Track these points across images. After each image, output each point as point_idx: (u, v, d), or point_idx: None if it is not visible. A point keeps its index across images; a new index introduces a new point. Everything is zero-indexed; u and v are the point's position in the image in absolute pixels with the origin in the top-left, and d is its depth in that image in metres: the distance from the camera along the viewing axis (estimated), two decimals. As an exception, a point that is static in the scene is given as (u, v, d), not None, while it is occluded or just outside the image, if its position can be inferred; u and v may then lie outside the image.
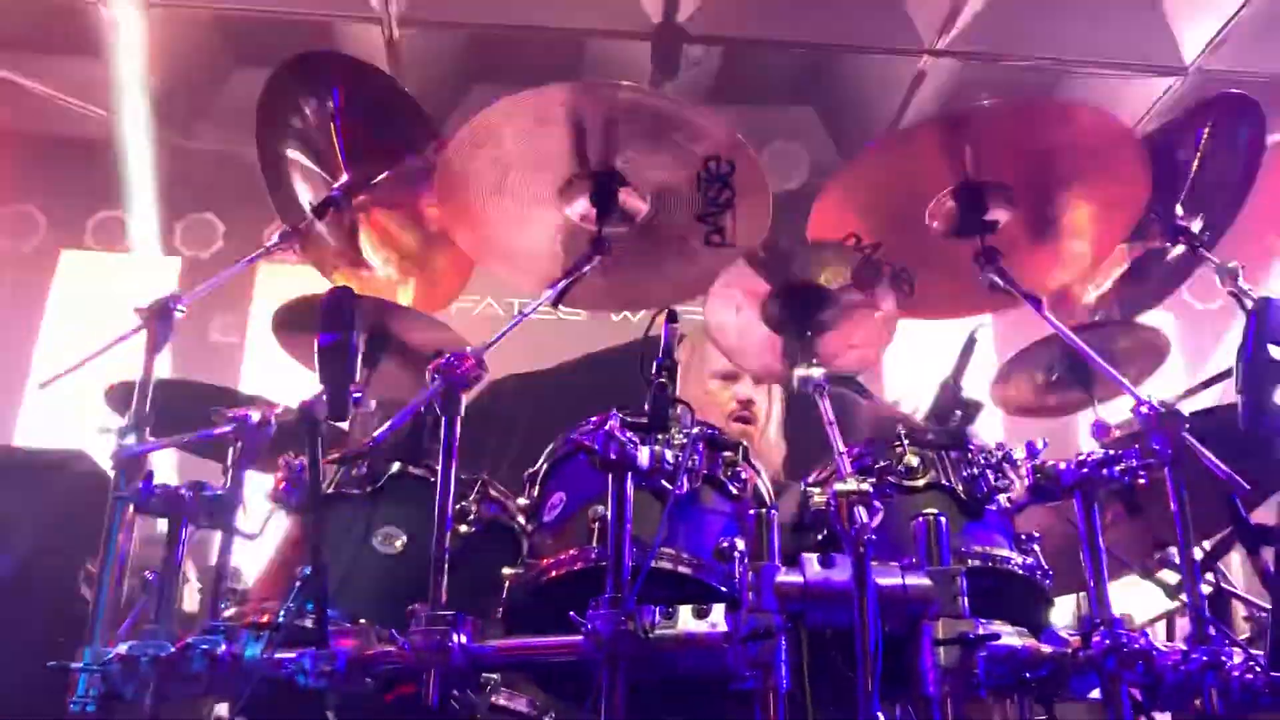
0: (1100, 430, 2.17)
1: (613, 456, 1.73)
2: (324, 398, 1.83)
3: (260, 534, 2.08)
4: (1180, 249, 2.57)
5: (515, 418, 3.77)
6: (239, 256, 2.51)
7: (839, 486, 1.63)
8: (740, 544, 1.83)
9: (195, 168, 6.66)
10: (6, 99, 6.29)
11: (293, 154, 2.60)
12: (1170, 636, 2.83)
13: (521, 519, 2.16)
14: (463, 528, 2.10)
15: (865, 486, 1.61)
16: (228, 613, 1.99)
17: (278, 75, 2.54)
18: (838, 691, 1.83)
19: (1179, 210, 2.54)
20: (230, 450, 1.99)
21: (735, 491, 1.99)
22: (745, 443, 2.05)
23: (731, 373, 3.11)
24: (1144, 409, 1.84)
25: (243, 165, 6.29)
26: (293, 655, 1.79)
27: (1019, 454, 1.96)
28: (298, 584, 1.93)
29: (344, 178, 2.53)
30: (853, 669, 1.63)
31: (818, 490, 1.94)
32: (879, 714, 1.53)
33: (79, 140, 6.53)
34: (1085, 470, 1.81)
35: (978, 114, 2.21)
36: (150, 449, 2.02)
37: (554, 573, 1.90)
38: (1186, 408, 1.89)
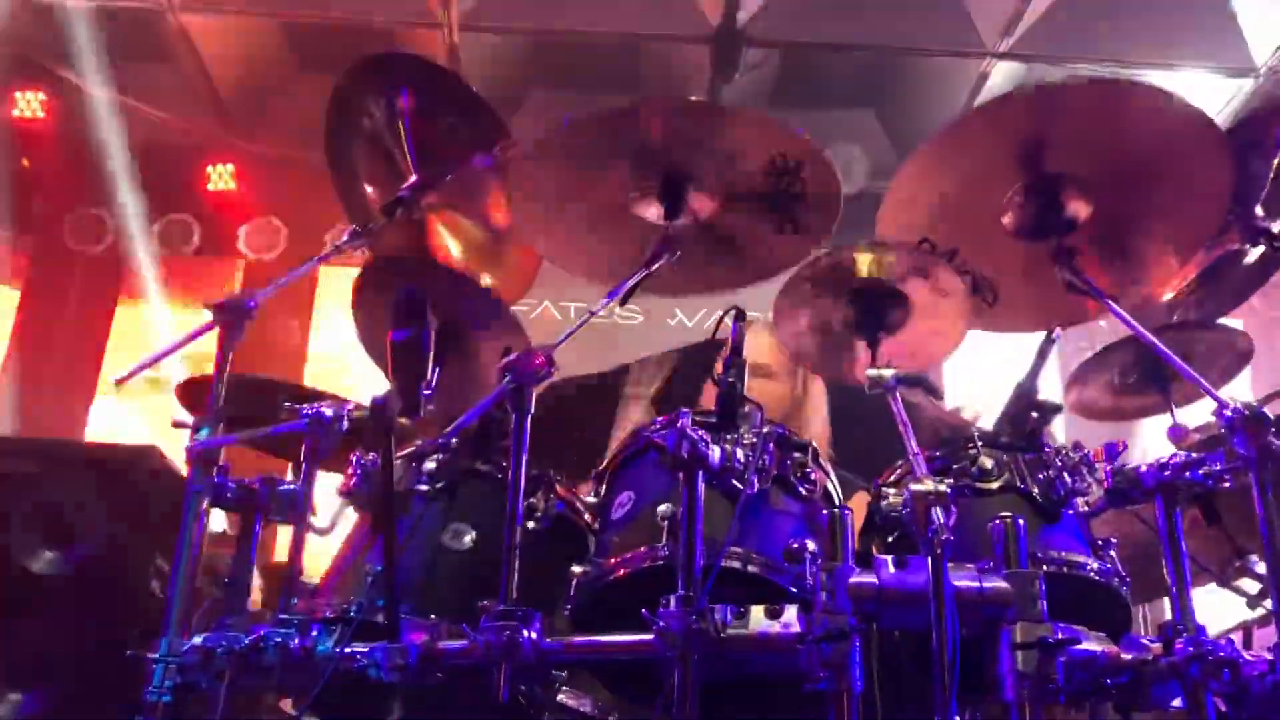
0: (1177, 433, 2.12)
1: (685, 455, 1.72)
2: (396, 393, 1.84)
3: (330, 530, 2.10)
4: (1260, 250, 2.51)
5: (575, 419, 3.78)
6: (302, 260, 2.53)
7: (915, 487, 1.61)
8: (811, 545, 1.82)
9: (260, 172, 6.77)
10: (76, 105, 6.43)
11: (362, 154, 2.63)
12: (1247, 648, 2.76)
13: (588, 517, 2.16)
14: (530, 525, 2.10)
15: (943, 487, 1.59)
16: (298, 607, 2.01)
17: (348, 77, 2.57)
18: (906, 694, 1.81)
19: (1258, 211, 2.48)
20: (302, 446, 2.01)
21: (805, 492, 1.97)
22: (814, 443, 2.04)
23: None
24: (1228, 412, 1.80)
25: (306, 170, 6.42)
26: (365, 649, 1.80)
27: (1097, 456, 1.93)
28: (369, 579, 1.95)
29: (412, 177, 2.55)
30: (923, 672, 1.61)
31: (893, 491, 1.92)
32: (956, 718, 1.51)
33: (146, 145, 6.66)
34: (1167, 473, 1.77)
35: (1044, 98, 2.15)
36: (224, 443, 2.04)
37: (622, 571, 1.89)
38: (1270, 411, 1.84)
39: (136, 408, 5.99)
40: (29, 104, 6.18)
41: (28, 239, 6.70)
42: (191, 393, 2.90)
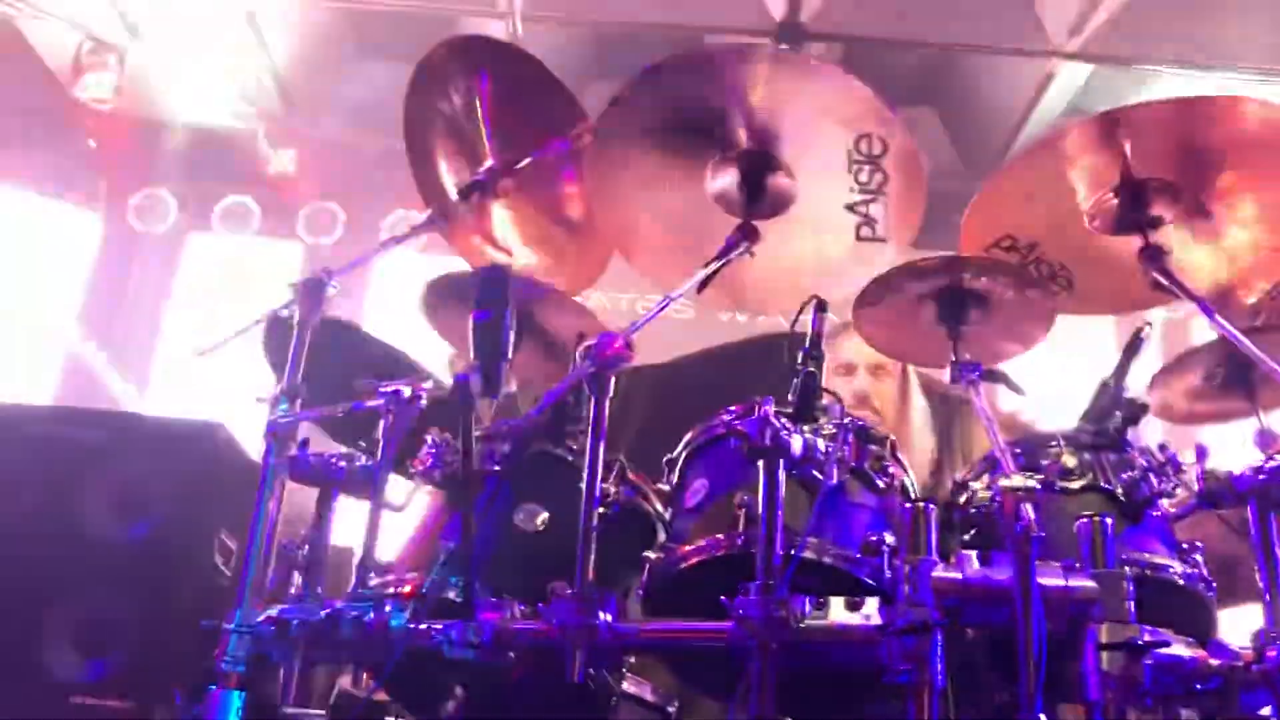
0: (1265, 439, 2.07)
1: (767, 443, 1.71)
2: (477, 375, 1.84)
3: (405, 507, 2.11)
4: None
5: (631, 410, 3.77)
6: (359, 244, 2.53)
7: (1004, 482, 1.59)
8: (889, 538, 1.80)
9: (319, 157, 6.83)
10: (144, 87, 6.52)
11: (438, 138, 2.64)
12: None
13: (659, 505, 2.16)
14: (600, 510, 2.09)
15: (1033, 483, 1.57)
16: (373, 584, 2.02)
17: (428, 60, 2.57)
18: (981, 691, 1.79)
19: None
20: (380, 423, 2.02)
21: (882, 485, 1.96)
22: (893, 436, 2.02)
23: (849, 365, 3.07)
24: (1324, 417, 1.76)
25: (365, 156, 6.47)
26: (439, 626, 1.81)
27: (1185, 458, 1.89)
28: (442, 557, 1.96)
29: (489, 161, 2.55)
30: (997, 668, 1.59)
31: (979, 485, 1.90)
32: (1041, 716, 1.49)
33: (210, 128, 6.75)
34: (1262, 477, 1.74)
35: (1138, 112, 2.13)
36: (303, 418, 2.06)
37: (697, 557, 1.89)
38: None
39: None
40: (99, 84, 6.26)
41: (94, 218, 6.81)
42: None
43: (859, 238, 2.25)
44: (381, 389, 2.03)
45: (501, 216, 2.70)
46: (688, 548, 1.91)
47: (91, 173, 6.64)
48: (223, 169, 6.83)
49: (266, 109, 6.72)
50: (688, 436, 2.14)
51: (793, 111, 2.20)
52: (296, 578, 2.06)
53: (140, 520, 3.18)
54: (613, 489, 2.14)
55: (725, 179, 2.27)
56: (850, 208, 2.23)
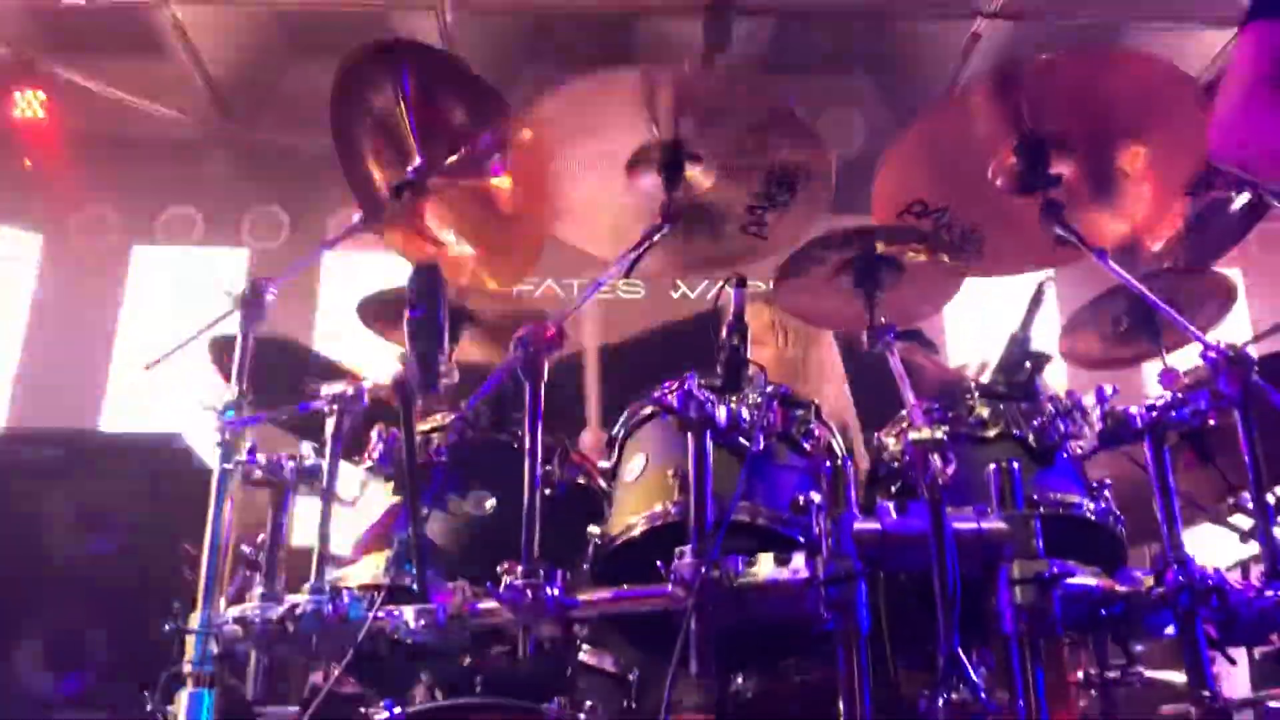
0: (1169, 377, 2.18)
1: (693, 415, 1.80)
2: (414, 369, 1.92)
3: (356, 502, 2.18)
4: (1244, 198, 2.57)
5: (585, 390, 3.86)
6: (305, 246, 2.59)
7: (914, 435, 1.68)
8: (816, 497, 1.90)
9: (259, 160, 6.83)
10: (76, 102, 6.48)
11: (367, 139, 2.69)
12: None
13: (602, 482, 2.24)
14: (546, 490, 2.18)
15: (939, 434, 1.66)
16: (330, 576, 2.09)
17: (348, 63, 2.62)
18: (914, 634, 1.90)
19: (1244, 159, 2.54)
20: (327, 422, 2.08)
21: (808, 448, 2.05)
22: (817, 400, 2.12)
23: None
24: (1211, 353, 1.87)
25: (305, 156, 6.48)
26: (395, 611, 1.88)
27: (1089, 401, 2.00)
28: (396, 547, 2.04)
29: (418, 160, 2.61)
30: (929, 612, 1.69)
31: (893, 440, 2.00)
32: (958, 649, 1.59)
33: (146, 139, 6.72)
34: (1155, 414, 1.85)
35: (1034, 67, 2.21)
36: (252, 421, 2.13)
37: (637, 529, 1.98)
38: (1255, 353, 1.91)
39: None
40: (29, 104, 6.22)
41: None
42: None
43: (743, 229, 2.35)
44: (326, 389, 2.09)
45: (435, 212, 2.77)
46: (627, 520, 2.00)
47: (29, 193, 6.59)
48: (162, 180, 6.81)
49: (202, 116, 6.71)
50: (624, 414, 2.23)
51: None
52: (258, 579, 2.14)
53: (104, 535, 3.24)
54: (556, 470, 2.23)
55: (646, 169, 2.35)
56: (750, 208, 2.34)
